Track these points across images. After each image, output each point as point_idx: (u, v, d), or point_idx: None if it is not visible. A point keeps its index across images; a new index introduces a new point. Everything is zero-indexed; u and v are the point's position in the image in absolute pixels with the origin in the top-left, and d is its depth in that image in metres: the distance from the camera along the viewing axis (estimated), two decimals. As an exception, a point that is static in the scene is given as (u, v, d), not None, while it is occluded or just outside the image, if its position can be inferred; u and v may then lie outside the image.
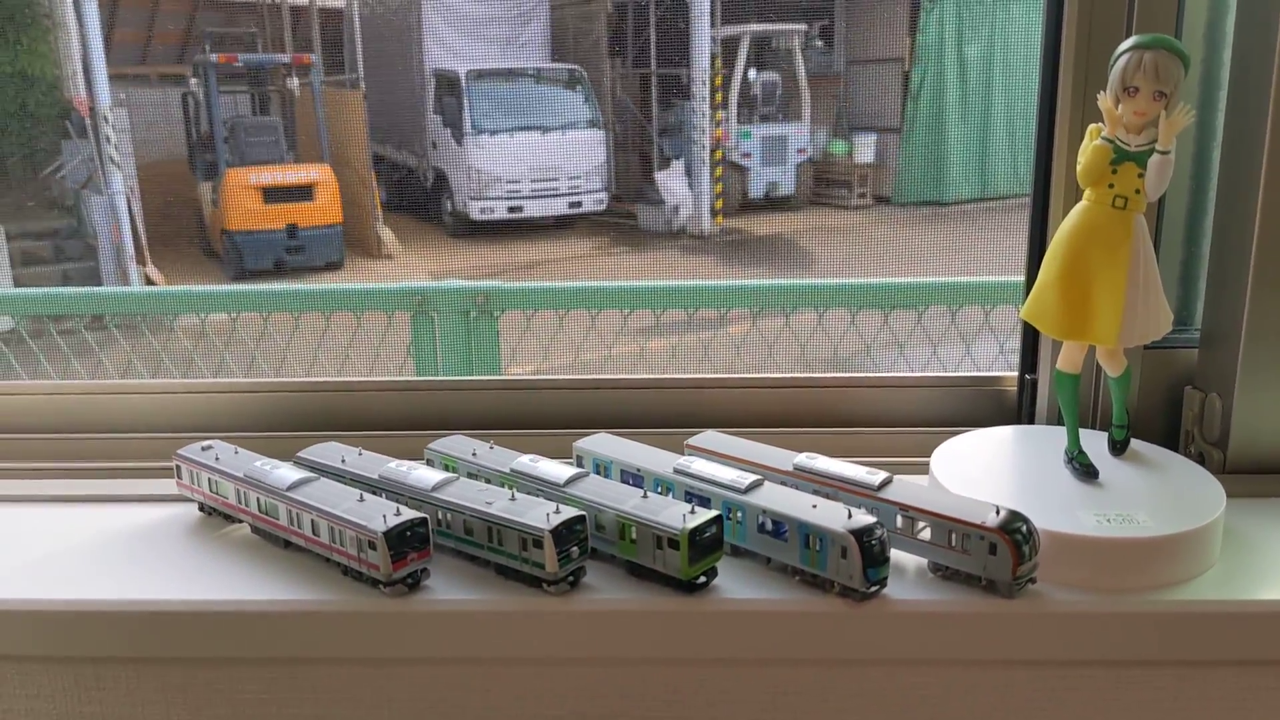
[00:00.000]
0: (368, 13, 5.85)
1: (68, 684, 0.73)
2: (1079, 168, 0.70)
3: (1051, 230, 0.86)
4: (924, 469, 0.83)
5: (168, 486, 0.83)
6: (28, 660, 0.73)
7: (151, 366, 2.23)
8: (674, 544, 0.67)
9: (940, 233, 5.23)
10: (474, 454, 0.79)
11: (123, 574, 0.74)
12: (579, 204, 5.58)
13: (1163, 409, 0.88)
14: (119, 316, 2.29)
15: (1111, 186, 0.69)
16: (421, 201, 5.94)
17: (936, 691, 0.70)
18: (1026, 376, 0.92)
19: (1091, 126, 0.70)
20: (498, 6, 5.92)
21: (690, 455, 0.79)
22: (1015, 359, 0.95)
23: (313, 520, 0.71)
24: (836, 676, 0.70)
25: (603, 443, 0.81)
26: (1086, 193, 0.70)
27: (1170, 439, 0.88)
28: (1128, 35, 0.80)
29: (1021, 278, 0.92)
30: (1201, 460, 0.84)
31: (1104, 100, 0.68)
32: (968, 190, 5.70)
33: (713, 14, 5.48)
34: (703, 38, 5.44)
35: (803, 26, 5.85)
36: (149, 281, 4.98)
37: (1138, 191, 0.68)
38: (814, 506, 0.69)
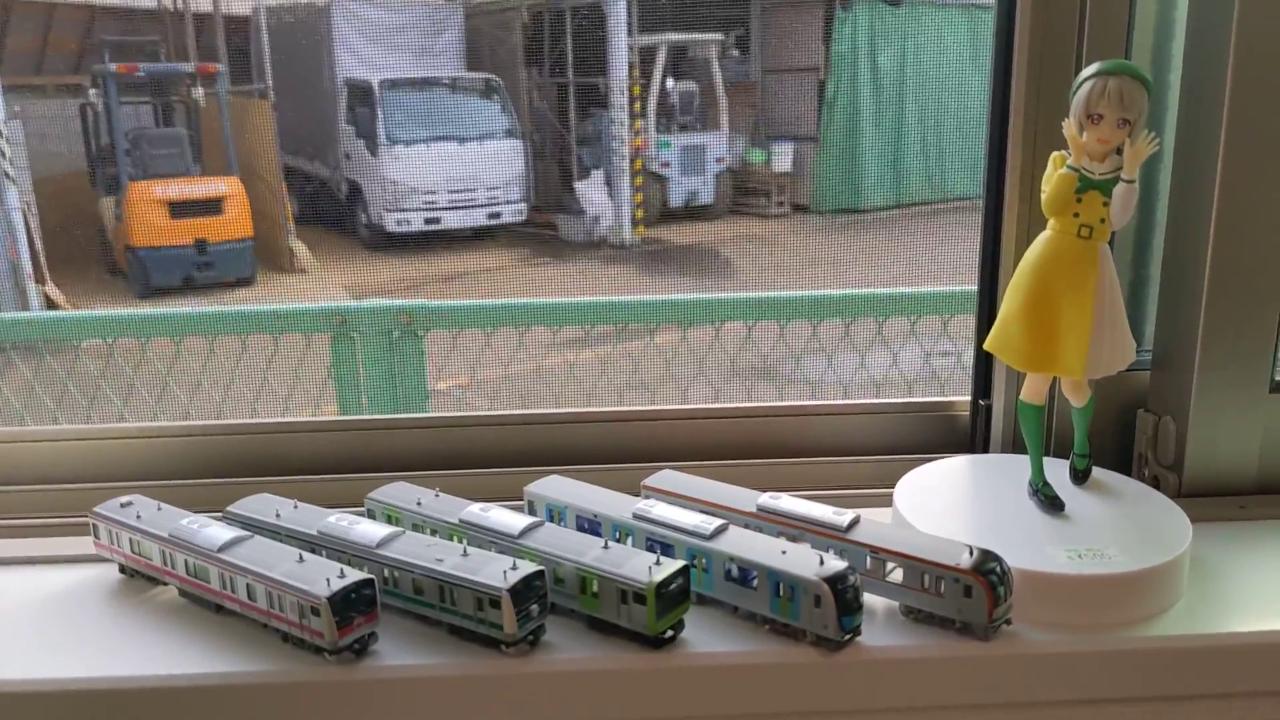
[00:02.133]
0: (276, 21, 5.70)
1: (-24, 772, 0.67)
2: (1044, 197, 0.68)
3: (1005, 244, 0.85)
4: (880, 499, 0.81)
5: (83, 545, 0.77)
6: (-71, 747, 0.67)
7: (55, 392, 2.13)
8: (640, 598, 0.63)
9: (858, 239, 5.29)
10: (419, 503, 0.75)
11: (34, 647, 0.68)
12: (498, 215, 5.51)
13: (1113, 432, 0.88)
14: (19, 341, 2.17)
15: (1076, 215, 0.68)
16: (335, 214, 5.80)
17: (913, 740, 0.68)
18: (980, 402, 0.91)
19: (1054, 155, 0.69)
20: (410, 15, 5.82)
21: (648, 497, 0.75)
22: (939, 363, 0.94)
23: (248, 584, 0.66)
24: (811, 729, 0.67)
25: (555, 486, 0.77)
26: (1050, 222, 0.69)
27: (1122, 462, 0.87)
28: (1079, 50, 0.80)
29: (951, 287, 0.91)
30: (1156, 483, 0.84)
31: (1069, 128, 0.67)
32: (883, 197, 5.78)
33: (629, 23, 5.46)
34: (620, 47, 5.43)
35: (719, 36, 5.86)
36: (49, 301, 4.78)
37: (1102, 220, 0.67)
38: (783, 552, 0.66)
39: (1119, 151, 0.67)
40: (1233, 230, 0.78)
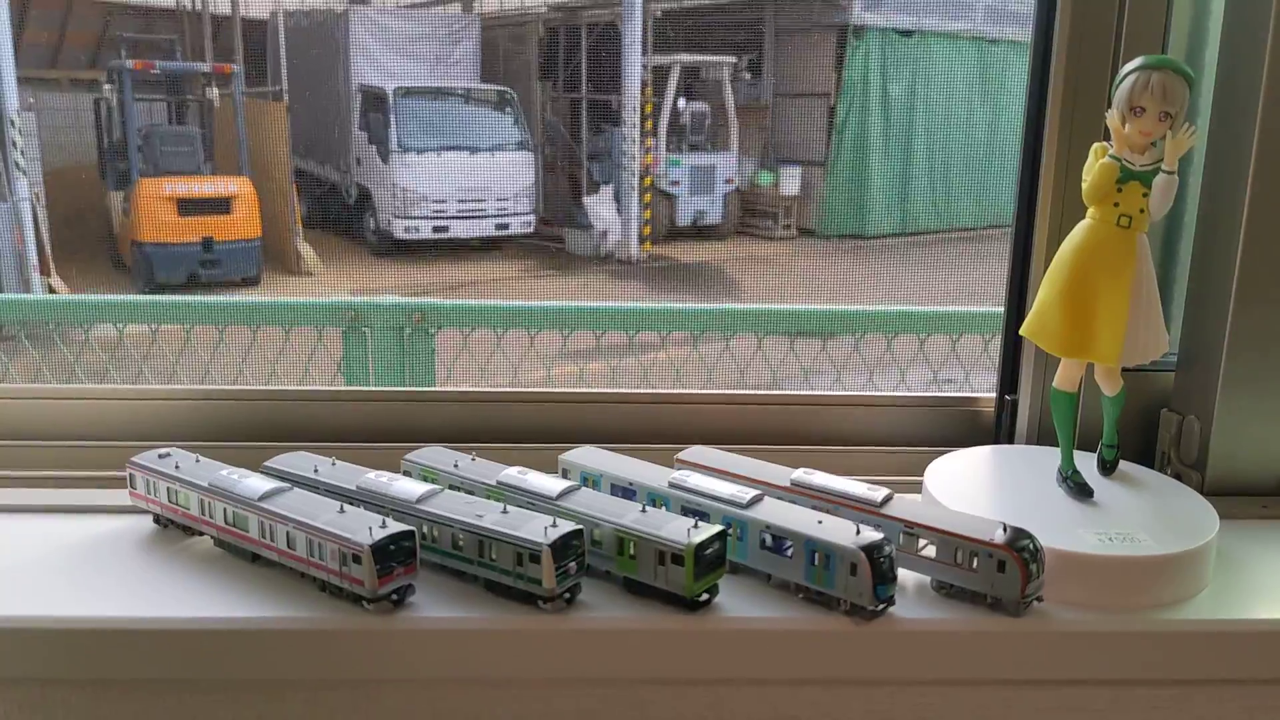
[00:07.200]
0: (293, 24, 5.73)
1: (10, 709, 0.67)
2: (1085, 185, 0.70)
3: (1035, 257, 0.87)
4: (905, 487, 0.82)
5: (117, 497, 0.78)
6: (-35, 683, 0.67)
7: (62, 378, 2.13)
8: (678, 560, 0.64)
9: (862, 265, 5.31)
10: (455, 465, 0.76)
11: (73, 588, 0.69)
12: (506, 226, 5.53)
13: (1137, 430, 0.89)
14: (28, 326, 2.17)
15: (1116, 205, 0.69)
16: (344, 218, 5.81)
17: (941, 711, 0.69)
18: (1006, 397, 0.92)
19: (1096, 145, 0.70)
20: (428, 24, 5.86)
21: (681, 469, 0.76)
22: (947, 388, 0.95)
23: (288, 532, 0.67)
24: (842, 696, 0.68)
25: (589, 456, 0.78)
26: (1090, 211, 0.70)
27: (1145, 461, 0.88)
28: (1115, 53, 0.82)
29: (964, 308, 0.93)
30: (1179, 481, 0.85)
31: (1111, 119, 0.68)
32: (889, 225, 5.81)
33: (644, 43, 5.50)
34: (634, 65, 5.46)
35: (732, 59, 5.91)
36: (53, 293, 4.77)
37: (1141, 211, 0.69)
38: (819, 522, 0.67)
39: (1157, 144, 0.68)
40: (1263, 233, 0.79)
